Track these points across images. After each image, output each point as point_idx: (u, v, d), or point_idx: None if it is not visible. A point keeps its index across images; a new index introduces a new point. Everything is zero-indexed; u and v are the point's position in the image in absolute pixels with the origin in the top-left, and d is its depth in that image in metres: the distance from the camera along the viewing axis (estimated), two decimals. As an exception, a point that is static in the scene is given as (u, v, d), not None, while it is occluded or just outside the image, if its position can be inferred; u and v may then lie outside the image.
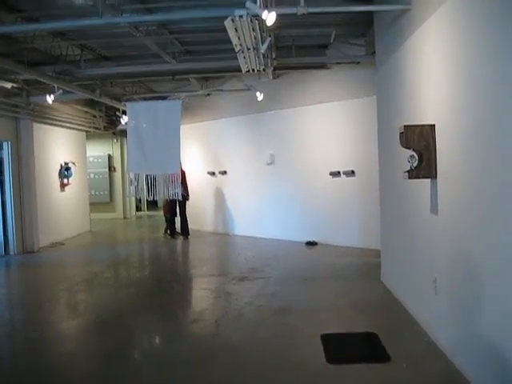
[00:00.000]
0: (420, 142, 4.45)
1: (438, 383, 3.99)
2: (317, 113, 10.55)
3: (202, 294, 7.45)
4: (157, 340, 5.62)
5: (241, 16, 5.11)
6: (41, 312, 6.53)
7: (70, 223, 13.45)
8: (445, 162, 4.27)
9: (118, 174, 18.46)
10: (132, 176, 9.74)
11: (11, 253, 10.83)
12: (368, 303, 6.15)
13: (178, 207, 12.46)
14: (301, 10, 5.17)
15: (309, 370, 4.30)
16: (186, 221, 12.57)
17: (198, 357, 4.74)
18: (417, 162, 4.55)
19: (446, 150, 4.24)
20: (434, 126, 4.44)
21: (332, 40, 8.50)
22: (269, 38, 6.22)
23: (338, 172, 10.10)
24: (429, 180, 4.61)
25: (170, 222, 12.81)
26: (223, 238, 12.51)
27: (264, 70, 8.19)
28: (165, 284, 8.00)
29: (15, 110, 10.77)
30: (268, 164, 11.65)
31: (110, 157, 18.47)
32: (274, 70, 9.42)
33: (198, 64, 9.44)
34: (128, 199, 18.29)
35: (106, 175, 18.37)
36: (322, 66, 9.92)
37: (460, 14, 3.79)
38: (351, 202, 9.91)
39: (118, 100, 12.19)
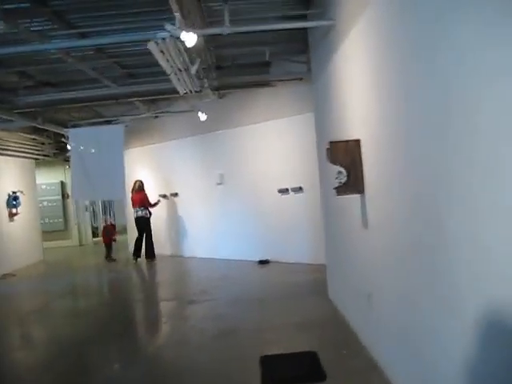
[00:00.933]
0: (346, 158, 4.44)
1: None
2: (264, 131, 10.52)
3: (151, 320, 7.35)
4: (98, 369, 5.41)
5: (164, 38, 5.06)
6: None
7: (22, 253, 13.07)
8: (370, 176, 4.27)
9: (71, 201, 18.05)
10: (87, 202, 9.63)
11: (-42, 287, 10.47)
12: (314, 321, 6.07)
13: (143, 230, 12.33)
14: (226, 30, 5.16)
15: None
16: (152, 244, 12.39)
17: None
18: (345, 178, 4.53)
19: (371, 165, 4.24)
20: (359, 140, 4.43)
21: (268, 58, 8.43)
22: (198, 59, 6.18)
23: (287, 189, 10.06)
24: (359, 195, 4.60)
25: (136, 246, 12.45)
26: (176, 261, 12.32)
27: (201, 90, 8.12)
28: (116, 312, 7.81)
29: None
30: (218, 184, 11.54)
31: (62, 184, 18.08)
32: (218, 89, 9.38)
33: (140, 87, 9.32)
34: (83, 225, 17.99)
35: (60, 202, 17.95)
36: (266, 84, 9.89)
37: (377, 27, 3.80)
38: (300, 218, 9.86)
39: (65, 126, 11.95)
